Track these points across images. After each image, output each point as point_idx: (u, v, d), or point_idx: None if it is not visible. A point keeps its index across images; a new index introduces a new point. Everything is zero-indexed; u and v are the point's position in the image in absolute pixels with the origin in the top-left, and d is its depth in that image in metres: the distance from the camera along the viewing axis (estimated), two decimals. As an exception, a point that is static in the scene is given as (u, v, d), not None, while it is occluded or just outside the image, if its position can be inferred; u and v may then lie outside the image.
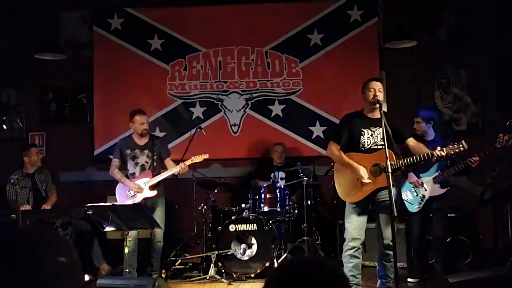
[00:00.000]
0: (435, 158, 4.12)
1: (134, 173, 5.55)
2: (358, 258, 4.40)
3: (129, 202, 5.31)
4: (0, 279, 1.12)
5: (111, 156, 5.80)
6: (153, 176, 5.48)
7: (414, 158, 4.22)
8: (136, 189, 5.41)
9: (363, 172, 4.25)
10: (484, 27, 6.75)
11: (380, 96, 4.31)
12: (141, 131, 5.54)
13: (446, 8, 6.86)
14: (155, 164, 5.54)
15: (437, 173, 5.15)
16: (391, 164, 3.91)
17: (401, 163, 4.17)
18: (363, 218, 4.41)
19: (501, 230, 5.53)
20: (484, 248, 5.71)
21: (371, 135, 4.37)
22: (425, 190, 5.17)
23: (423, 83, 6.87)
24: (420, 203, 5.19)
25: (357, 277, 4.41)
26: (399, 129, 4.33)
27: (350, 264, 4.38)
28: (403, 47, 6.60)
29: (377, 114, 4.33)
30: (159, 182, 5.49)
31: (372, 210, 4.46)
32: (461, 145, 4.02)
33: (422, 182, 5.17)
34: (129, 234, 4.69)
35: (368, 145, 4.37)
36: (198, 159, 5.53)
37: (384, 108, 5.63)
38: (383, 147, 3.99)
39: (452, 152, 4.05)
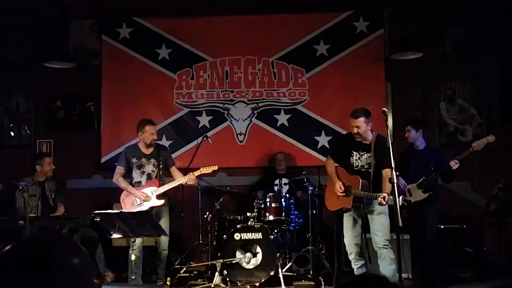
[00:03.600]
0: (378, 203, 4.58)
1: (140, 182, 5.56)
2: (362, 260, 4.89)
3: (136, 210, 5.32)
4: (20, 281, 1.16)
5: (116, 163, 5.84)
6: (160, 185, 5.51)
7: (369, 195, 4.67)
8: (143, 197, 5.44)
9: (339, 185, 4.84)
10: (489, 39, 6.79)
11: (360, 131, 4.74)
12: (150, 141, 5.57)
13: (451, 20, 6.90)
14: (161, 173, 5.58)
15: (421, 179, 5.20)
16: (355, 191, 4.65)
17: (361, 193, 4.68)
18: (356, 229, 4.86)
19: (506, 242, 5.53)
20: (489, 260, 5.70)
21: (359, 158, 4.83)
22: (410, 195, 5.22)
23: (429, 94, 6.90)
24: (405, 209, 5.22)
25: None
26: (380, 158, 4.72)
27: (356, 266, 4.86)
28: (409, 59, 6.65)
29: (367, 139, 4.82)
30: (164, 191, 5.52)
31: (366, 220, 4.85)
32: (404, 203, 4.31)
33: (408, 188, 5.24)
34: (135, 241, 4.73)
35: (356, 166, 4.86)
36: (207, 170, 5.56)
37: (390, 120, 5.77)
38: (368, 171, 4.72)
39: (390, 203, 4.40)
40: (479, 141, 5.13)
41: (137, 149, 5.64)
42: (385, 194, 4.47)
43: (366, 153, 4.82)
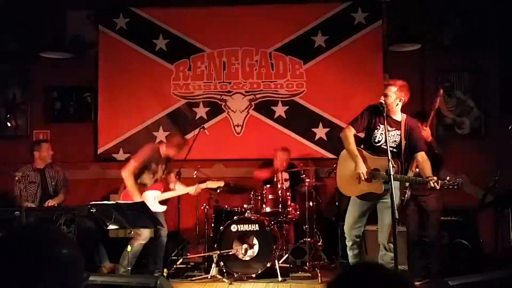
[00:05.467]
0: (429, 187, 4.16)
1: (146, 184, 5.51)
2: (357, 249, 4.60)
3: None
4: (8, 271, 1.15)
5: (116, 156, 5.78)
6: (164, 190, 5.53)
7: (411, 178, 4.34)
8: (148, 202, 5.25)
9: (364, 171, 4.33)
10: (488, 31, 6.76)
11: (386, 100, 4.36)
12: (173, 156, 5.63)
13: (450, 11, 6.87)
14: (164, 177, 5.66)
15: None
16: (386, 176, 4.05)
17: (399, 177, 4.25)
18: (361, 215, 4.53)
19: (502, 234, 5.54)
20: (485, 252, 5.72)
21: (385, 133, 4.39)
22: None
23: (427, 86, 6.89)
24: (403, 199, 5.15)
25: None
26: (412, 140, 4.41)
27: (350, 253, 4.61)
28: (407, 50, 6.63)
29: (398, 116, 4.42)
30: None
31: (375, 210, 4.55)
32: (456, 183, 4.05)
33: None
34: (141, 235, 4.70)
35: (378, 141, 4.43)
36: (213, 185, 5.60)
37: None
38: (392, 149, 4.13)
39: (445, 187, 4.10)
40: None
41: (158, 153, 5.60)
42: (435, 178, 4.09)
43: (394, 130, 4.36)
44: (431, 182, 4.09)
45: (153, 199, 5.42)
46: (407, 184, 5.10)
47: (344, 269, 1.23)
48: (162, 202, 5.50)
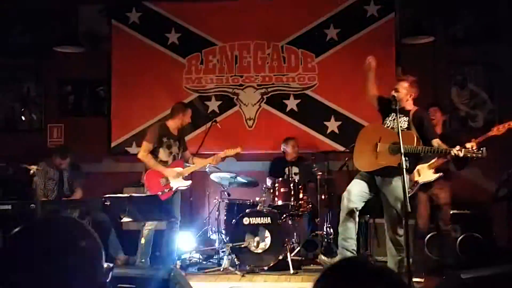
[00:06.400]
0: (451, 155, 4.17)
1: (167, 162, 5.50)
2: (351, 229, 4.60)
3: (164, 191, 5.27)
4: (29, 262, 1.18)
5: (129, 149, 5.79)
6: (184, 166, 5.55)
7: (431, 149, 4.35)
8: (174, 175, 5.42)
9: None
10: (501, 23, 6.69)
11: (398, 95, 4.45)
12: (187, 123, 5.70)
13: (463, 4, 6.81)
14: (180, 156, 5.65)
15: (433, 160, 5.10)
16: (408, 147, 4.09)
17: (419, 149, 4.30)
18: (364, 189, 4.58)
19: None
20: (498, 245, 5.70)
21: (394, 120, 4.50)
22: (419, 175, 5.13)
23: (440, 79, 6.84)
24: (411, 188, 5.11)
25: (347, 241, 4.60)
26: (423, 130, 4.49)
27: (340, 229, 4.64)
28: (420, 43, 6.59)
29: (408, 106, 4.59)
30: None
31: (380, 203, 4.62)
32: (480, 152, 4.06)
33: (418, 168, 5.12)
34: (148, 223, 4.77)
35: (387, 127, 4.60)
36: (231, 152, 5.58)
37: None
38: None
39: (469, 155, 4.10)
40: (499, 126, 5.01)
41: (167, 128, 5.60)
42: (458, 146, 4.09)
43: (402, 117, 4.48)
44: (454, 150, 4.12)
45: (176, 175, 5.45)
46: (419, 180, 5.08)
47: (332, 265, 1.21)
48: (185, 178, 5.52)
